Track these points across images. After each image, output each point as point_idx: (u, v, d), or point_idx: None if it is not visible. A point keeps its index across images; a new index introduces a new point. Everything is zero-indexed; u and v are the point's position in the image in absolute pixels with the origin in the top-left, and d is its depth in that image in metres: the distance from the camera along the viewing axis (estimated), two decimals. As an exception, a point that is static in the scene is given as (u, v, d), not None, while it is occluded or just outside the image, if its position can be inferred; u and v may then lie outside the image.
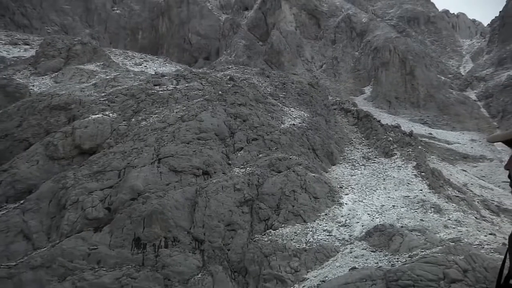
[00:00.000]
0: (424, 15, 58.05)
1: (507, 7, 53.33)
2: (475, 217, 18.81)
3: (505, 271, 1.45)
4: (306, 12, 53.31)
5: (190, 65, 45.52)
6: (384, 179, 21.86)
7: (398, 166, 23.37)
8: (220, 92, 23.72)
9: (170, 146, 18.72)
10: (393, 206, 18.81)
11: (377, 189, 20.73)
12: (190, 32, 58.24)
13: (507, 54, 48.99)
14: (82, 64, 28.33)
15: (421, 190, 20.54)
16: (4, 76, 25.99)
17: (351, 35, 52.16)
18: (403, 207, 18.64)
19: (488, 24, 59.80)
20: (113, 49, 38.89)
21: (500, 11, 54.99)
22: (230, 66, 33.86)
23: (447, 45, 56.82)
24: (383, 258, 14.62)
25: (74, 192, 16.44)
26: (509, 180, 1.57)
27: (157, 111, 21.59)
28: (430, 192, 20.38)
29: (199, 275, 14.82)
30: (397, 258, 14.33)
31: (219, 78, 26.12)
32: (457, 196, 21.23)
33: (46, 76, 26.88)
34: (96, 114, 20.62)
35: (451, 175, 26.14)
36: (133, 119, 20.91)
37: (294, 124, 23.61)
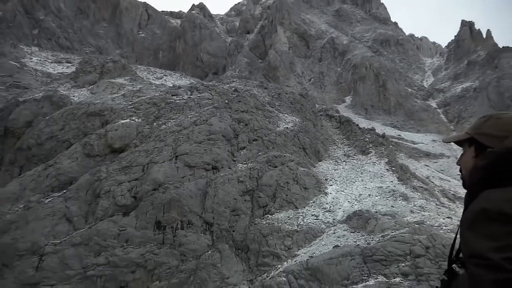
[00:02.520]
0: (394, 38, 57.94)
1: (461, 32, 53.67)
2: (436, 204, 18.75)
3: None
4: (297, 35, 53.23)
5: (201, 79, 45.41)
6: (361, 172, 21.79)
7: (373, 162, 23.29)
8: (226, 101, 23.65)
9: (185, 145, 18.67)
10: (369, 195, 18.75)
11: (355, 181, 20.66)
12: (202, 52, 58.18)
13: (461, 70, 49.01)
14: (113, 78, 28.21)
15: (392, 181, 20.47)
16: (50, 89, 25.94)
17: (334, 54, 52.04)
18: (377, 196, 18.58)
19: (446, 46, 59.66)
20: (139, 66, 38.76)
21: (455, 36, 55.08)
22: (235, 80, 33.72)
23: (412, 62, 56.69)
24: (360, 237, 14.58)
25: (106, 184, 16.41)
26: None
27: (174, 116, 21.52)
28: (399, 183, 20.32)
29: (209, 252, 14.80)
30: (372, 238, 14.30)
31: (226, 90, 26.04)
32: (421, 187, 21.16)
33: (84, 88, 26.78)
34: (124, 119, 20.56)
35: (416, 169, 26.06)
36: (154, 123, 20.85)
37: (287, 128, 23.54)
